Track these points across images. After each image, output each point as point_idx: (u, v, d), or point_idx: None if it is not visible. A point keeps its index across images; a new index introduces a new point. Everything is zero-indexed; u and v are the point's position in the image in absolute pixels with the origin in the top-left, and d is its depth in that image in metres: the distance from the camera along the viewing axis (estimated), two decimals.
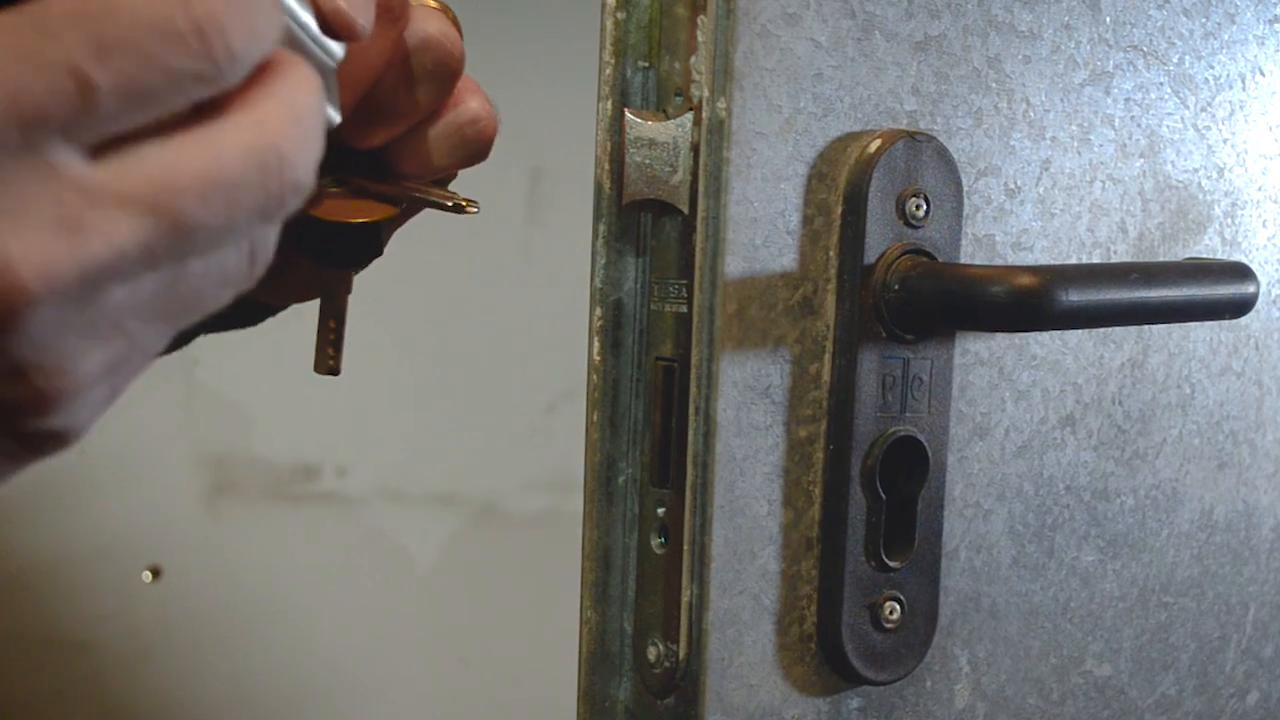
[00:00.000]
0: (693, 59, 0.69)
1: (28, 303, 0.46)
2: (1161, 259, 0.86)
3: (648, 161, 0.69)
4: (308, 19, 0.59)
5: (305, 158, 0.51)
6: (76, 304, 0.47)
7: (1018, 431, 0.81)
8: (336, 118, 0.65)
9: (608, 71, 0.70)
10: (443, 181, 0.77)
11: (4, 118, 0.44)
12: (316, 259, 0.76)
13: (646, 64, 0.71)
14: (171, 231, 0.48)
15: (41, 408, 0.49)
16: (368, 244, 0.76)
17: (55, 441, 0.51)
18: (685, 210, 0.69)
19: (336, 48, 0.62)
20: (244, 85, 0.50)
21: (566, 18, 1.86)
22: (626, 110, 0.70)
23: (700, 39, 0.68)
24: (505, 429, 2.00)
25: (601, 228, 0.71)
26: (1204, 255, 0.89)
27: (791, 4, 0.69)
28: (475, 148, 0.74)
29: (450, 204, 0.74)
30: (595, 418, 0.72)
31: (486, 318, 1.96)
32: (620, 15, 0.70)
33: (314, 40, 0.61)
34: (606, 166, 0.70)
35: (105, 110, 0.46)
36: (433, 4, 0.73)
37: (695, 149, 0.69)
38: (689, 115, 0.69)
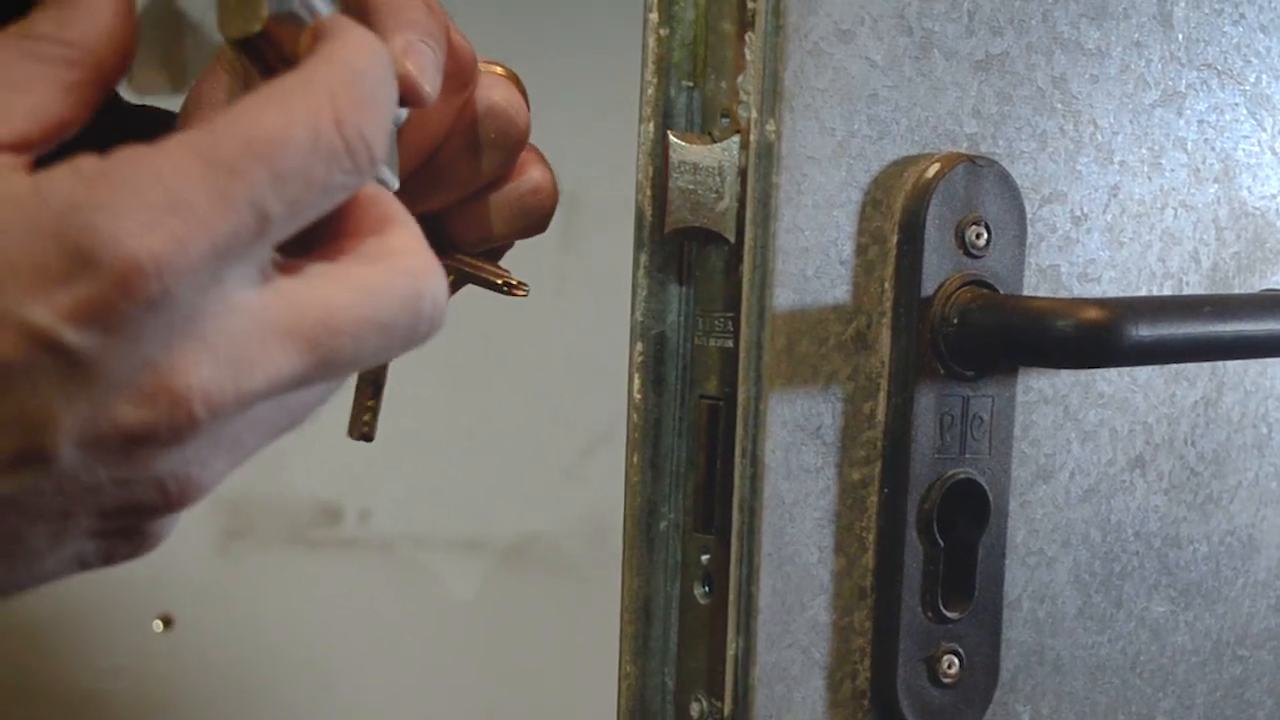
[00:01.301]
0: (740, 78, 0.69)
1: (192, 429, 0.51)
2: (1237, 290, 0.86)
3: (692, 187, 0.69)
4: None
5: (445, 299, 0.56)
6: (224, 425, 0.52)
7: (1084, 474, 0.80)
8: (395, 184, 0.67)
9: (650, 91, 0.70)
10: (496, 252, 0.79)
11: (201, 258, 0.49)
12: None
13: (691, 83, 0.71)
14: (323, 366, 0.53)
15: (162, 513, 0.55)
16: None
17: (153, 542, 0.57)
18: (732, 239, 0.69)
19: (400, 111, 0.65)
20: (396, 227, 0.56)
21: (606, 33, 1.87)
22: (670, 132, 0.70)
23: (748, 57, 0.68)
24: (539, 472, 2.00)
25: (643, 257, 0.71)
26: None
27: (845, 20, 0.69)
28: (534, 219, 0.77)
29: (500, 283, 0.77)
30: (636, 459, 0.72)
31: (519, 353, 1.96)
32: (663, 32, 0.70)
33: None
34: (648, 192, 0.70)
35: (275, 233, 0.51)
36: (499, 71, 0.75)
37: (742, 174, 0.68)
38: (736, 138, 0.69)
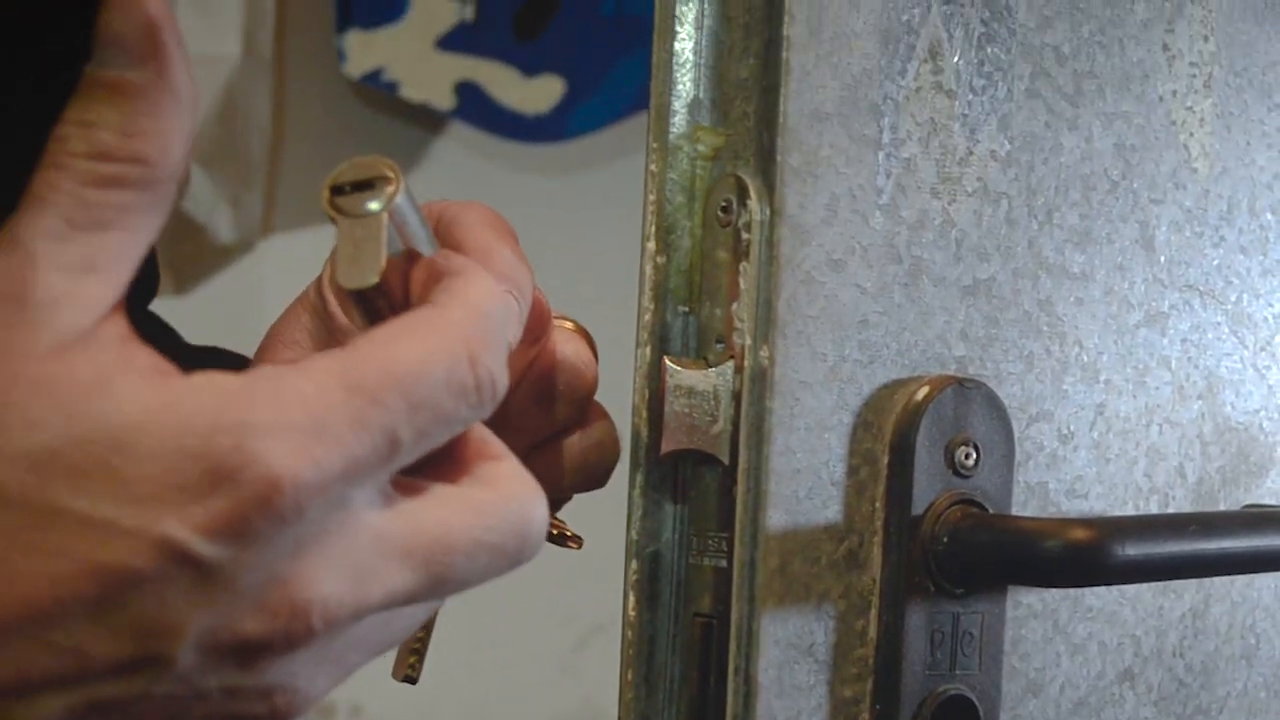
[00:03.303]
0: (734, 305, 0.70)
1: (307, 640, 0.52)
2: (1222, 504, 0.87)
3: (687, 410, 0.71)
4: None
5: (547, 524, 0.59)
6: (336, 638, 0.54)
7: (1073, 688, 0.81)
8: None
9: (647, 317, 0.72)
10: (555, 504, 0.80)
11: (335, 479, 0.51)
12: None
13: (687, 309, 0.73)
14: (434, 585, 0.55)
15: None
16: None
17: None
18: (726, 461, 0.71)
19: None
20: (503, 455, 0.59)
21: (605, 261, 1.89)
22: (666, 357, 0.71)
23: (742, 285, 0.70)
24: (533, 665, 2.00)
25: (639, 477, 0.72)
26: (1267, 498, 0.90)
27: (836, 250, 0.71)
28: (597, 473, 0.79)
29: (557, 534, 0.78)
30: (630, 676, 0.73)
31: None
32: (660, 260, 0.72)
33: None
34: (644, 415, 0.72)
35: (402, 459, 0.53)
36: (570, 326, 0.77)
37: (737, 398, 0.70)
38: (730, 363, 0.70)
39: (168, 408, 0.50)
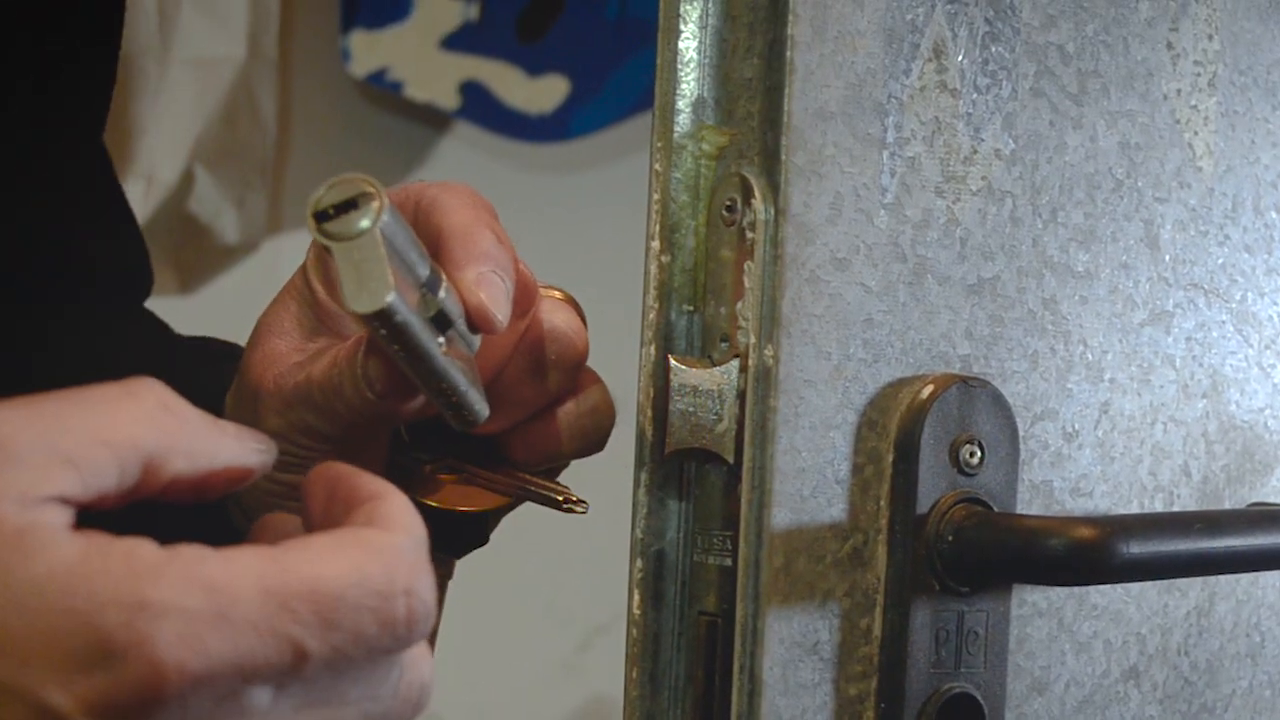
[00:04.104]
0: (739, 305, 0.71)
1: None
2: (1227, 502, 0.87)
3: (692, 409, 0.71)
4: (458, 315, 0.66)
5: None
6: None
7: (1079, 686, 0.81)
8: (485, 411, 0.71)
9: (651, 316, 0.72)
10: (553, 471, 0.81)
11: (226, 677, 0.50)
12: None
13: (691, 308, 0.73)
14: None
15: None
16: (474, 532, 0.79)
17: None
18: (730, 460, 0.71)
19: (474, 339, 0.69)
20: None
21: (609, 261, 1.89)
22: (670, 356, 0.72)
23: (747, 285, 0.70)
24: (537, 665, 2.00)
25: (643, 476, 0.72)
26: (1272, 497, 0.90)
27: (841, 249, 0.71)
28: (593, 438, 0.79)
29: (560, 499, 0.78)
30: (635, 674, 0.73)
31: (515, 546, 1.96)
32: (665, 259, 0.72)
33: (461, 335, 0.68)
34: (649, 414, 0.72)
35: (309, 675, 0.52)
36: (559, 295, 0.78)
37: (741, 397, 0.70)
38: (735, 362, 0.70)
39: (73, 570, 0.50)
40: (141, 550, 0.50)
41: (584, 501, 0.78)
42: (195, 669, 0.49)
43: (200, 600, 0.49)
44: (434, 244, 0.71)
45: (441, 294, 0.63)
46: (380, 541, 0.54)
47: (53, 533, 0.50)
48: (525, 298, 0.74)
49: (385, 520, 0.55)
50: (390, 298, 0.57)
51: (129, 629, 0.49)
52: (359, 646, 0.52)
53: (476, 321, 0.69)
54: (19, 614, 0.49)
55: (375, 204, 0.58)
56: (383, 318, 0.58)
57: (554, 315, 0.76)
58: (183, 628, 0.49)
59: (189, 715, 0.50)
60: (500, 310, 0.69)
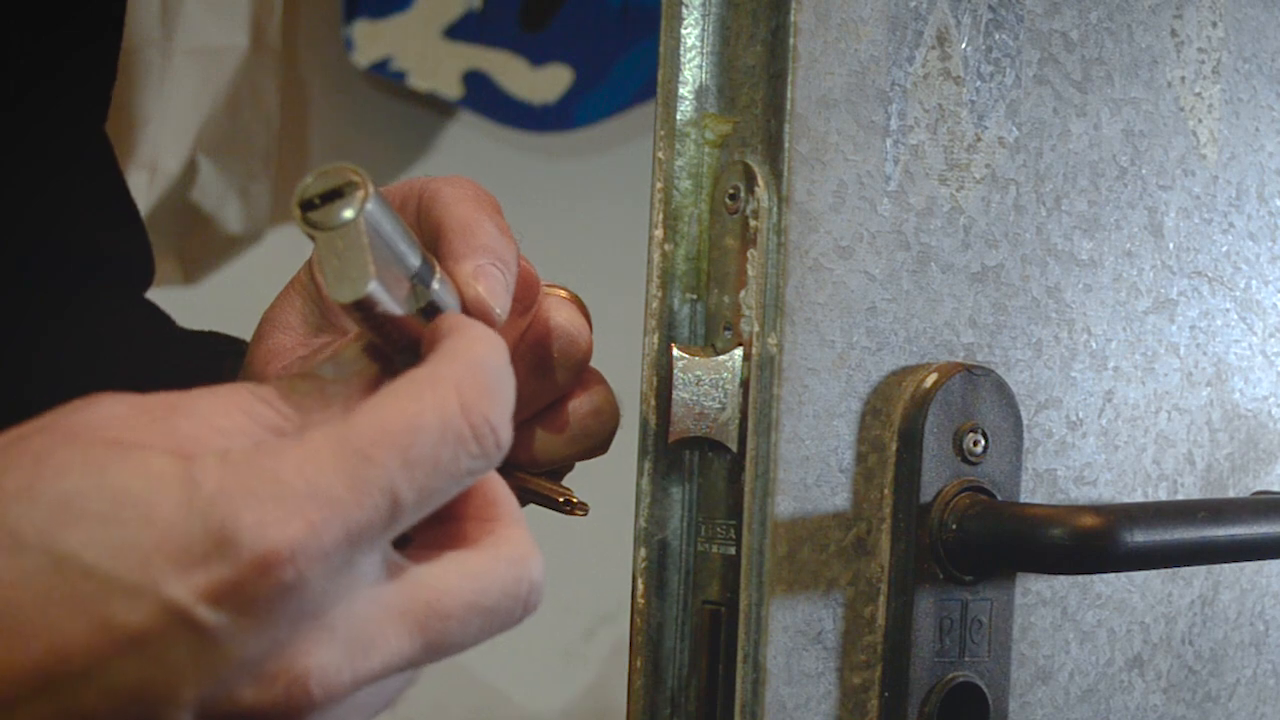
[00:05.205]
0: (742, 293, 0.70)
1: (305, 711, 0.52)
2: (1231, 490, 0.87)
3: (695, 398, 0.71)
4: (454, 306, 0.65)
5: (543, 583, 0.59)
6: (334, 706, 0.54)
7: (1083, 675, 0.81)
8: None
9: (654, 304, 0.72)
10: (556, 473, 0.81)
11: (336, 545, 0.51)
12: None
13: (695, 297, 0.72)
14: (430, 651, 0.55)
15: None
16: None
17: None
18: (734, 448, 0.70)
19: None
20: (503, 513, 0.59)
21: (612, 250, 1.88)
22: (674, 345, 0.71)
23: (751, 273, 0.70)
24: (541, 655, 2.00)
25: (647, 465, 0.72)
26: (1276, 485, 0.89)
27: (845, 237, 0.71)
28: (596, 440, 0.78)
29: (562, 501, 0.78)
30: (638, 663, 0.73)
31: None
32: (668, 247, 0.72)
33: None
34: (652, 402, 0.72)
35: (406, 519, 0.53)
36: (563, 294, 0.77)
37: (745, 385, 0.70)
38: (738, 351, 0.70)
39: (177, 478, 0.51)
40: (230, 451, 0.52)
41: (585, 504, 0.78)
42: (306, 544, 0.50)
43: (295, 480, 0.51)
44: (434, 237, 0.70)
45: (435, 286, 0.63)
46: (430, 374, 0.55)
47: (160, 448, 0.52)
48: (527, 293, 0.74)
49: (437, 355, 0.56)
50: (370, 287, 0.57)
51: (238, 519, 0.50)
52: (440, 476, 0.53)
53: (474, 314, 0.68)
54: (133, 510, 0.50)
55: (360, 193, 0.57)
56: (363, 308, 0.58)
57: (558, 313, 0.76)
58: (286, 507, 0.50)
59: (308, 596, 0.51)
60: (498, 303, 0.68)
